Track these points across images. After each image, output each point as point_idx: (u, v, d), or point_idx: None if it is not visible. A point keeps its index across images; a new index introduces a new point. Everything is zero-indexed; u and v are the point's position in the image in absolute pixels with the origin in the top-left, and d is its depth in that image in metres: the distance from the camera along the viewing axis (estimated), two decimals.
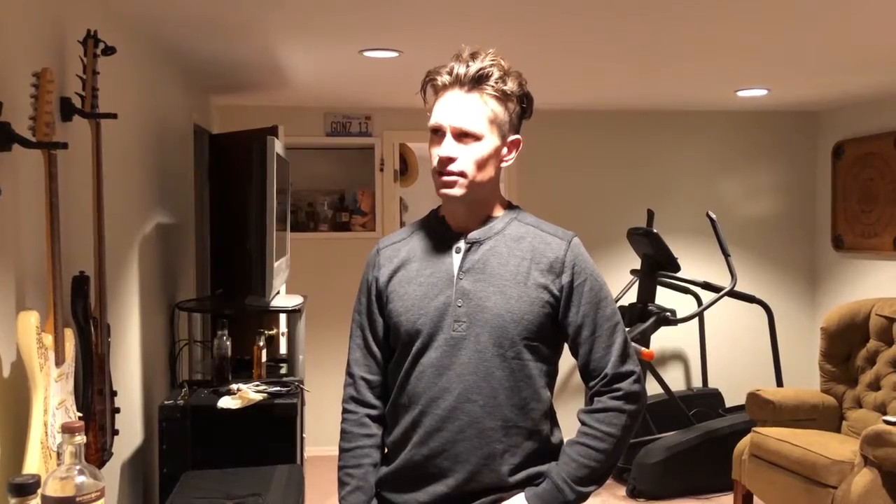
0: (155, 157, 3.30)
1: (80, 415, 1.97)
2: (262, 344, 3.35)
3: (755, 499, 4.15)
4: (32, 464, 1.67)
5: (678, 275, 4.91)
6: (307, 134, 5.24)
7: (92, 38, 2.18)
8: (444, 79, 1.59)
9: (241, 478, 2.59)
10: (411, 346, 1.61)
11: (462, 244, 1.64)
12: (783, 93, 4.75)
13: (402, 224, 8.02)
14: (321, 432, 5.15)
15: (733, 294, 4.80)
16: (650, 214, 5.07)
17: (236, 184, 3.87)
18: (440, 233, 1.68)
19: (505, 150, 1.63)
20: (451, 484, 1.58)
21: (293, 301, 3.63)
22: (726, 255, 4.76)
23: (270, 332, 4.14)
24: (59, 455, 1.79)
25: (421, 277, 1.64)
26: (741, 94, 4.72)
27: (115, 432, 2.31)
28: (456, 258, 1.63)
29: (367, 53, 3.51)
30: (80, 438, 1.33)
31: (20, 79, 1.83)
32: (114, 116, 2.23)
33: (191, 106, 4.20)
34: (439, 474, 1.59)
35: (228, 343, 3.23)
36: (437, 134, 1.60)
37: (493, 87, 1.57)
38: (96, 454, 2.16)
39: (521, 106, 1.63)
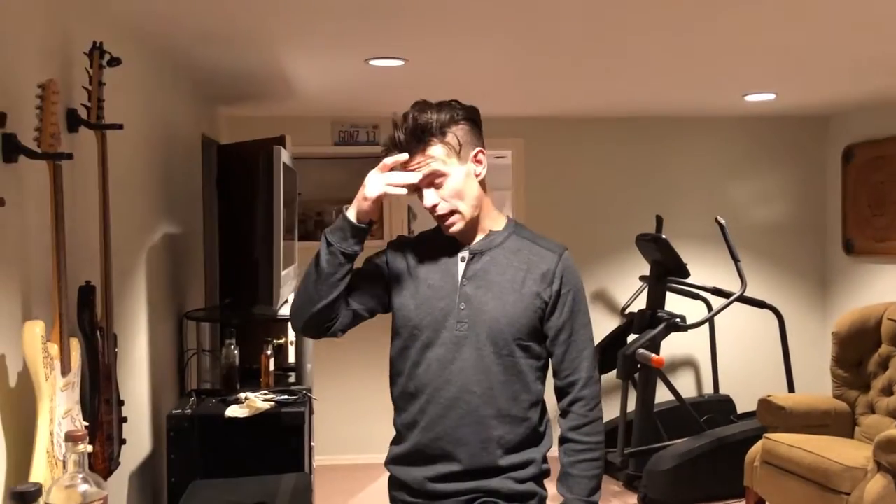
0: (162, 168, 3.32)
1: (87, 424, 1.97)
2: (269, 353, 3.35)
3: None
4: (39, 472, 1.67)
5: (687, 281, 4.90)
6: (315, 144, 5.26)
7: (98, 49, 2.19)
8: (395, 153, 1.78)
9: (249, 486, 2.59)
10: (416, 340, 1.83)
11: (466, 254, 1.85)
12: (791, 97, 4.74)
13: (410, 232, 8.05)
14: (330, 441, 5.15)
15: (743, 299, 4.77)
16: (659, 220, 5.05)
17: (244, 194, 3.88)
18: (447, 243, 1.87)
19: (473, 166, 1.82)
20: (453, 463, 1.81)
21: None
22: (736, 260, 4.74)
23: (279, 341, 4.14)
24: (65, 464, 1.80)
25: (430, 280, 1.84)
26: (749, 98, 4.71)
27: (123, 442, 2.32)
28: (460, 266, 1.84)
29: (372, 62, 3.52)
30: (83, 447, 1.33)
31: (26, 90, 1.85)
32: (119, 127, 2.25)
33: (199, 116, 4.23)
34: (443, 455, 1.81)
35: (236, 352, 3.24)
36: (419, 191, 1.81)
37: (431, 134, 1.76)
38: (103, 464, 2.16)
39: (466, 123, 1.81)
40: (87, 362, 2.12)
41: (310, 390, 3.30)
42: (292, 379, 3.65)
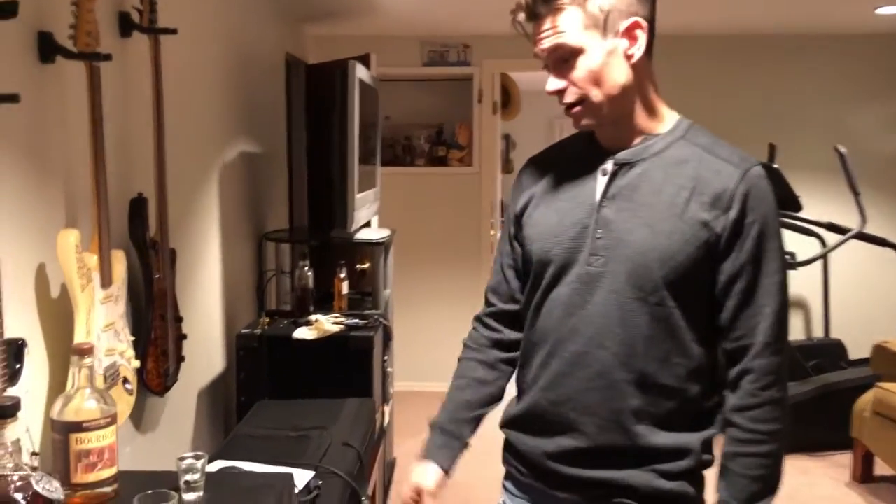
0: (240, 85, 3.24)
1: (133, 338, 1.92)
2: (342, 276, 3.27)
3: (876, 459, 3.81)
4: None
5: (800, 215, 4.52)
6: (404, 65, 5.08)
7: None
8: (520, 15, 1.40)
9: (311, 409, 2.54)
10: (542, 279, 1.45)
11: (610, 166, 1.41)
12: None
13: (506, 161, 7.76)
14: (411, 368, 5.10)
15: (862, 237, 4.37)
16: (772, 149, 4.67)
17: (326, 114, 3.78)
18: (588, 151, 1.46)
19: (625, 43, 1.37)
20: (578, 438, 1.41)
21: (379, 234, 3.53)
22: (856, 193, 4.33)
23: (363, 266, 4.08)
24: (105, 377, 1.76)
25: (559, 202, 1.45)
26: (880, 11, 4.22)
27: (181, 359, 2.28)
28: (601, 181, 1.41)
29: None
30: (90, 360, 1.25)
31: None
32: (174, 32, 2.14)
33: (282, 35, 4.12)
34: (566, 425, 1.42)
35: (310, 274, 3.18)
36: (548, 69, 1.41)
37: None
38: (158, 379, 2.13)
39: None
40: (141, 276, 2.08)
41: (384, 315, 3.21)
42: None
